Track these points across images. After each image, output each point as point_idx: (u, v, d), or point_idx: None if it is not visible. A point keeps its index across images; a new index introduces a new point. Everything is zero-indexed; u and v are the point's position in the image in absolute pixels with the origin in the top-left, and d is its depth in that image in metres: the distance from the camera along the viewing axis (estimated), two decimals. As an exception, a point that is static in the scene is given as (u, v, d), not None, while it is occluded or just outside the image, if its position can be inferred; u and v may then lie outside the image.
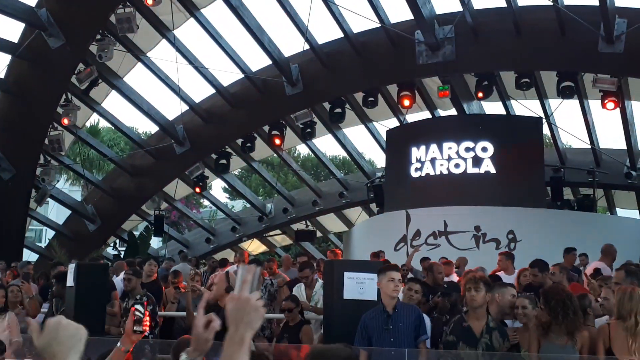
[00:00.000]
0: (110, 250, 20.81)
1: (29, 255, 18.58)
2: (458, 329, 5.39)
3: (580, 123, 16.03)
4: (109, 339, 6.72)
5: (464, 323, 5.38)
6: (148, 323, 4.15)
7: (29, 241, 20.02)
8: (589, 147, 16.58)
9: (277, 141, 16.60)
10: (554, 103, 15.65)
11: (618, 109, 13.94)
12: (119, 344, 3.40)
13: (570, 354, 5.05)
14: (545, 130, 16.25)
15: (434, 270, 8.26)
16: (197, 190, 18.49)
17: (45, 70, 14.72)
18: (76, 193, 26.67)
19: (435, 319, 6.57)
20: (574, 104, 15.22)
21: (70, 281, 7.45)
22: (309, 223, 20.91)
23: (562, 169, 16.48)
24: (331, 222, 21.97)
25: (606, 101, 13.36)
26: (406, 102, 14.83)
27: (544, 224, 13.30)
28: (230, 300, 2.05)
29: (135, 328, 3.33)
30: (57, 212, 22.17)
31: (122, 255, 17.93)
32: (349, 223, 21.12)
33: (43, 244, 23.06)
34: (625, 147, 16.30)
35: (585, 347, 5.21)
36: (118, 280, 9.37)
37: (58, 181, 18.27)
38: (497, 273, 8.75)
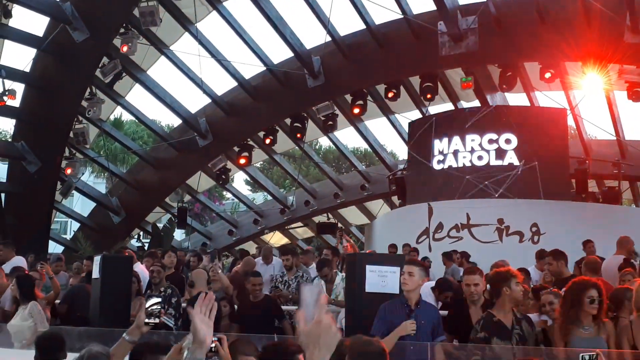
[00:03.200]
0: (134, 242, 21.01)
1: (54, 248, 18.84)
2: (489, 324, 5.27)
3: (606, 114, 15.83)
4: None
5: (493, 318, 5.28)
6: (165, 315, 4.20)
7: (54, 233, 20.29)
8: (614, 138, 16.36)
9: (299, 135, 16.61)
10: (579, 94, 15.48)
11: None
12: (125, 335, 3.44)
13: (598, 345, 4.98)
14: (570, 121, 16.08)
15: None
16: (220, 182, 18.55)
17: (69, 64, 14.88)
18: (101, 185, 26.96)
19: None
20: (599, 94, 15.02)
21: (95, 273, 7.55)
22: (330, 215, 20.92)
23: (587, 161, 16.28)
24: (353, 215, 21.96)
25: (632, 92, 13.16)
26: (428, 95, 14.77)
27: (568, 217, 13.15)
28: (310, 323, 2.08)
29: (147, 320, 3.37)
30: (82, 205, 22.44)
31: (146, 247, 18.09)
32: (370, 215, 21.10)
33: (68, 236, 23.35)
34: (651, 139, 16.07)
35: (611, 336, 5.16)
36: (140, 270, 9.42)
37: (83, 174, 18.44)
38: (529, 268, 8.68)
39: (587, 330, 5.17)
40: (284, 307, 8.25)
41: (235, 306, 8.19)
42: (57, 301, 8.41)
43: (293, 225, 22.33)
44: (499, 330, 5.21)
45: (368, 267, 6.31)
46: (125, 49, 14.15)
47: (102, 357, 3.47)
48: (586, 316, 5.17)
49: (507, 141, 14.17)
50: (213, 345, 3.29)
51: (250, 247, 18.90)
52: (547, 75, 13.70)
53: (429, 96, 14.85)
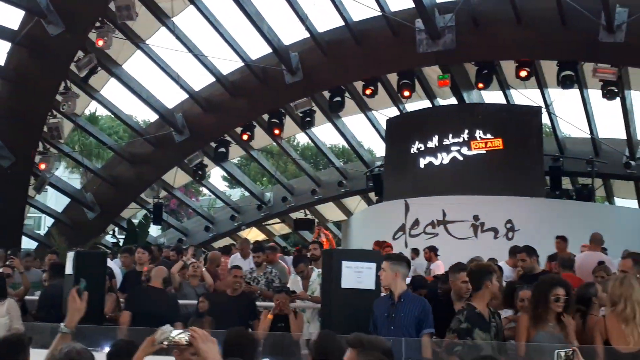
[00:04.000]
0: (109, 238, 20.83)
1: (28, 243, 18.60)
2: (472, 315, 5.35)
3: (580, 113, 16.03)
4: (107, 327, 6.76)
5: (475, 310, 5.36)
6: None
7: (27, 229, 20.03)
8: (589, 136, 16.58)
9: (277, 131, 16.59)
10: (554, 92, 15.65)
11: (618, 98, 13.93)
12: (62, 326, 3.31)
13: (563, 342, 5.06)
14: (545, 119, 16.26)
15: None
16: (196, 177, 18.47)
17: (44, 58, 14.67)
18: (75, 181, 26.65)
19: None
20: (574, 93, 15.21)
21: (68, 269, 7.46)
22: (307, 212, 20.93)
23: (561, 159, 16.49)
24: (330, 211, 22.00)
25: (606, 90, 13.34)
26: (406, 93, 14.83)
27: (542, 214, 13.33)
28: None
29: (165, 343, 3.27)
30: (56, 200, 22.19)
31: (121, 243, 17.94)
32: (347, 212, 21.15)
33: (42, 232, 23.06)
34: (624, 137, 16.30)
35: (571, 330, 5.22)
36: (114, 265, 9.36)
37: (57, 169, 18.24)
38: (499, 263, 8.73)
39: (554, 327, 5.25)
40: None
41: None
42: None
43: (270, 222, 22.32)
44: (480, 322, 5.31)
45: (344, 263, 6.33)
46: (100, 43, 13.99)
47: (87, 352, 3.41)
48: (552, 313, 5.23)
49: (483, 138, 14.29)
50: (184, 336, 3.26)
51: (227, 243, 18.85)
52: (523, 73, 13.83)
53: (406, 93, 14.91)
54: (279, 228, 23.57)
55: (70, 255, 7.53)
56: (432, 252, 11.15)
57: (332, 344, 3.64)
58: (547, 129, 18.68)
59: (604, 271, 6.96)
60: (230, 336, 3.96)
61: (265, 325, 7.09)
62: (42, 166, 16.57)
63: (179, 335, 3.17)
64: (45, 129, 16.08)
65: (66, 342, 3.37)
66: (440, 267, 10.24)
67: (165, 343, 3.23)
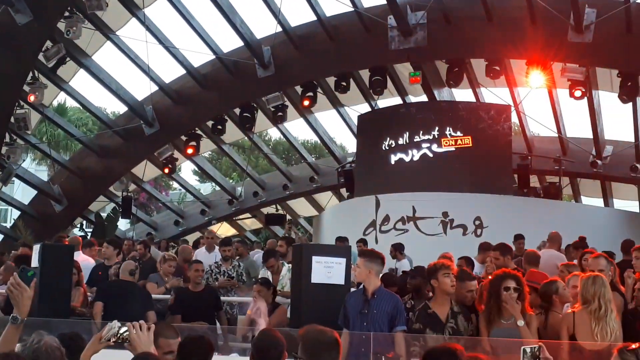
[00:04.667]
0: (76, 232, 20.56)
1: (-7, 236, 18.27)
2: (423, 315, 5.46)
3: (549, 112, 16.25)
4: (73, 321, 6.67)
5: (428, 310, 5.46)
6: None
7: (-7, 221, 19.69)
8: (556, 135, 16.81)
9: (248, 126, 16.53)
10: (523, 91, 15.83)
11: (585, 98, 14.15)
12: (13, 315, 3.29)
13: (513, 335, 5.14)
14: (514, 118, 16.43)
15: None
16: (166, 171, 18.33)
17: (11, 47, 14.39)
18: (42, 173, 26.22)
19: None
20: (542, 92, 15.41)
21: (35, 262, 7.34)
22: (279, 207, 20.90)
23: (530, 157, 16.69)
24: (301, 207, 22.00)
25: (574, 90, 13.54)
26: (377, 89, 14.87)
27: (510, 211, 13.49)
28: None
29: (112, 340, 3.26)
30: (22, 192, 21.81)
31: (88, 237, 17.73)
32: (319, 207, 21.17)
33: (8, 224, 22.67)
34: (591, 136, 16.56)
35: (532, 328, 5.28)
36: (82, 259, 9.21)
37: (24, 160, 17.94)
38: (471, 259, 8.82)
39: (508, 321, 5.32)
40: (223, 298, 8.27)
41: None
42: None
43: (241, 217, 22.23)
44: (432, 322, 5.42)
45: (314, 258, 6.33)
46: (71, 34, 13.72)
47: (56, 351, 3.36)
48: (507, 309, 5.30)
49: (453, 136, 14.40)
50: (124, 332, 3.26)
51: (196, 237, 18.73)
52: (493, 72, 13.96)
53: (378, 90, 14.96)
54: (250, 223, 23.50)
55: (36, 248, 7.41)
56: (397, 251, 11.16)
57: (271, 342, 3.67)
58: (516, 127, 18.92)
59: (566, 269, 7.06)
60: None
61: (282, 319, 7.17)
62: (9, 158, 16.24)
63: (126, 331, 3.18)
64: (12, 119, 15.78)
65: (18, 333, 3.30)
66: (405, 266, 10.27)
67: (113, 340, 3.23)
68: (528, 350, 3.32)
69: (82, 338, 3.99)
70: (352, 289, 6.47)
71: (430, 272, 5.65)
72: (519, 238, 10.14)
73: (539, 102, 17.73)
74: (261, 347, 3.68)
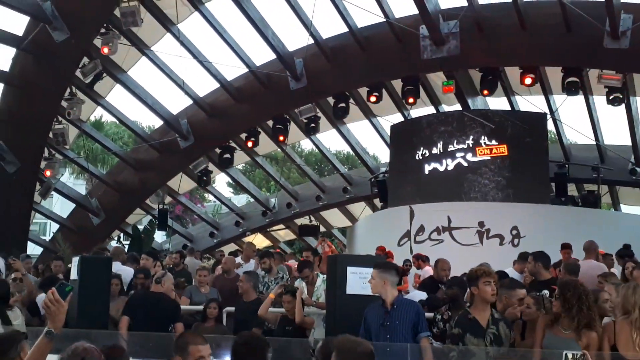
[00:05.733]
0: (114, 244, 20.84)
1: (33, 249, 18.63)
2: (463, 321, 5.38)
3: (585, 119, 15.99)
4: (110, 332, 6.76)
5: (469, 315, 5.38)
6: None
7: (33, 234, 20.07)
8: (594, 143, 16.53)
9: (281, 138, 16.61)
10: (558, 99, 15.61)
11: (623, 105, 13.90)
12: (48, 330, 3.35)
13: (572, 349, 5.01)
14: (550, 126, 16.21)
15: (438, 267, 8.54)
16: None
17: (49, 64, 14.73)
18: (80, 187, 26.71)
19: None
20: (579, 100, 15.17)
21: (74, 274, 7.47)
22: (312, 218, 20.92)
23: (567, 165, 16.44)
24: (335, 217, 21.97)
25: (611, 97, 13.32)
26: (410, 100, 14.84)
27: (547, 220, 13.27)
28: None
29: None
30: (61, 206, 22.21)
31: (126, 249, 17.95)
32: (352, 218, 21.12)
33: (47, 237, 23.09)
34: (630, 144, 16.25)
35: (593, 347, 5.12)
36: (123, 269, 9.29)
37: (62, 175, 18.28)
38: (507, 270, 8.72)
39: (567, 332, 5.21)
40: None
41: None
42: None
43: (275, 228, 22.29)
44: (472, 328, 5.31)
45: (349, 269, 6.31)
46: (106, 50, 14.04)
47: (94, 351, 3.41)
48: (574, 318, 5.17)
49: (488, 145, 14.26)
50: None
51: (232, 249, 18.83)
52: (528, 80, 13.80)
53: (410, 99, 14.91)
54: (283, 234, 23.55)
55: (75, 261, 7.54)
56: (419, 261, 11.10)
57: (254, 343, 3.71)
58: (552, 136, 18.65)
59: (604, 279, 6.92)
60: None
61: (267, 306, 7.22)
62: (48, 173, 16.61)
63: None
64: (50, 134, 16.12)
65: (50, 347, 3.36)
66: (429, 272, 10.18)
67: None
68: (570, 356, 3.25)
69: (122, 348, 4.05)
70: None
71: (470, 279, 5.55)
72: (565, 247, 9.95)
73: (576, 109, 17.45)
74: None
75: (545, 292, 5.55)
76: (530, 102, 15.53)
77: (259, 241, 22.32)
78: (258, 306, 7.40)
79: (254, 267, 9.95)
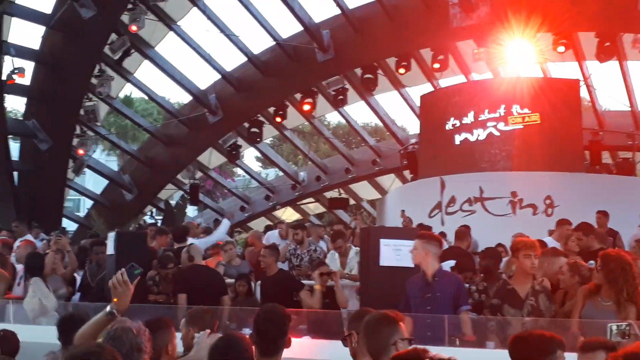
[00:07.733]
0: (147, 219, 21.10)
1: (68, 225, 18.94)
2: (502, 291, 5.33)
3: (620, 85, 15.64)
4: (149, 306, 6.86)
5: (508, 286, 5.33)
6: None
7: (67, 211, 20.40)
8: (629, 109, 16.17)
9: (307, 107, 16.41)
10: (592, 65, 15.27)
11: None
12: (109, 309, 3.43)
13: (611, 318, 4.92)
14: (584, 93, 15.89)
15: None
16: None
17: (78, 41, 14.83)
18: (113, 163, 27.02)
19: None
20: (613, 65, 14.81)
21: (110, 249, 7.58)
22: (342, 191, 20.89)
23: (601, 132, 16.13)
24: (364, 190, 21.91)
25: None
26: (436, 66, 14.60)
27: (582, 189, 13.04)
28: None
29: None
30: (94, 182, 22.50)
31: (159, 224, 18.16)
32: (382, 190, 21.04)
33: (82, 214, 23.46)
34: (666, 109, 15.88)
35: (631, 319, 5.03)
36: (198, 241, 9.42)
37: (94, 151, 18.47)
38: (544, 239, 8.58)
39: (607, 303, 5.12)
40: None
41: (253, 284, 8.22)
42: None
43: (304, 201, 22.33)
44: (510, 298, 5.27)
45: (382, 241, 6.29)
46: (134, 28, 14.05)
47: (129, 332, 3.45)
48: (619, 289, 5.05)
49: (520, 113, 14.03)
50: None
51: (262, 222, 18.93)
52: (560, 48, 13.50)
53: (437, 66, 14.67)
54: (313, 207, 23.59)
55: (111, 236, 7.64)
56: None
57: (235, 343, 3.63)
58: (586, 103, 18.27)
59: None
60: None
61: (319, 299, 7.04)
62: (81, 151, 16.78)
63: None
64: (81, 111, 16.28)
65: (108, 324, 3.43)
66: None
67: None
68: (615, 327, 3.18)
69: (166, 322, 4.10)
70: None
71: (513, 249, 5.52)
72: (600, 212, 9.77)
73: (610, 75, 17.08)
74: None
75: (592, 262, 5.46)
76: (563, 69, 15.24)
77: (289, 214, 22.41)
78: (280, 279, 7.38)
79: (326, 248, 9.88)
